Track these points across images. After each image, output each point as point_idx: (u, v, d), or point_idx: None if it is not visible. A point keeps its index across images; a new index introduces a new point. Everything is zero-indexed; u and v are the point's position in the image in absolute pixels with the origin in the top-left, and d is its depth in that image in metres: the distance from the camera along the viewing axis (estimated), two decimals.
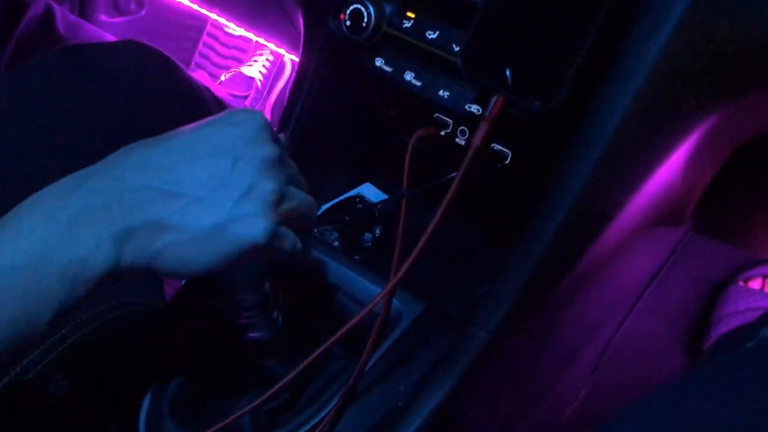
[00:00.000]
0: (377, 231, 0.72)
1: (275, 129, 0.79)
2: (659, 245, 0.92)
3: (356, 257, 0.68)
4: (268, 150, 0.47)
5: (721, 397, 0.46)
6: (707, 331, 0.95)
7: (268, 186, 0.46)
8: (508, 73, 0.50)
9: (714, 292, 0.99)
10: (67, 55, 0.71)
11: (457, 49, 0.60)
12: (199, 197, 0.44)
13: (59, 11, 1.05)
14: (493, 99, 0.51)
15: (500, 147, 0.61)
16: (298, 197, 0.49)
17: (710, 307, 0.97)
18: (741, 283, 0.96)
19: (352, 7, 0.65)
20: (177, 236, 0.44)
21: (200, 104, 0.82)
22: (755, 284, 0.95)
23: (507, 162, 0.61)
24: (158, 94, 0.75)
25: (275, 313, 0.55)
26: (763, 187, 0.90)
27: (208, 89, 0.84)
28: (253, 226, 0.45)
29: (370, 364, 0.56)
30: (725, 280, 0.99)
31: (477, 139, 0.51)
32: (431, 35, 0.62)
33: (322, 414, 0.54)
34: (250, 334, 0.55)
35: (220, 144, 0.46)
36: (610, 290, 0.82)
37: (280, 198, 0.47)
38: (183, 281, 0.66)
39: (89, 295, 0.42)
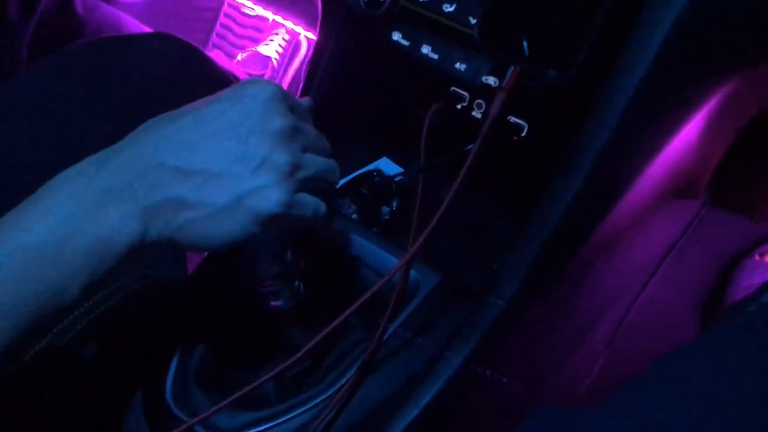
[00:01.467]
0: (394, 204, 0.73)
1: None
2: (676, 218, 0.92)
3: (374, 230, 0.69)
4: (280, 122, 0.47)
5: (723, 359, 0.47)
6: (723, 305, 0.95)
7: (281, 157, 0.47)
8: (524, 43, 0.51)
9: (730, 265, 0.99)
10: (99, 47, 0.72)
11: (473, 21, 0.60)
12: (214, 173, 0.45)
13: None
14: (511, 69, 0.52)
15: (517, 120, 0.61)
16: (315, 163, 0.50)
17: (726, 281, 0.97)
18: (757, 257, 0.97)
19: None
20: (196, 212, 0.45)
21: None
22: None
23: (523, 135, 0.61)
24: (188, 84, 0.76)
25: (296, 282, 0.57)
26: None
27: (236, 77, 0.85)
28: (267, 197, 0.46)
29: (389, 333, 0.57)
30: (741, 254, 0.99)
31: (494, 109, 0.52)
32: (448, 8, 0.62)
33: (342, 381, 0.55)
34: (272, 303, 0.56)
35: (233, 119, 0.47)
36: (626, 262, 0.83)
37: (295, 167, 0.48)
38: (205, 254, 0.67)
39: (116, 268, 0.44)
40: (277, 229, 0.53)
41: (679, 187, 0.72)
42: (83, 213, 0.43)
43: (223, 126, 0.46)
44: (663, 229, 0.92)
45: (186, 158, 0.45)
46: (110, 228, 0.43)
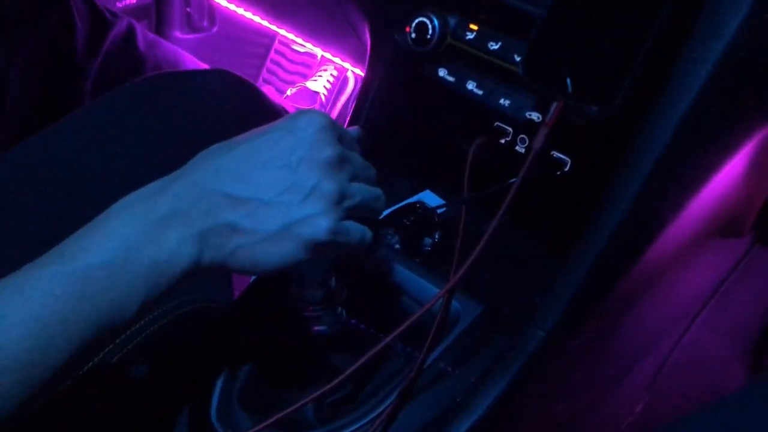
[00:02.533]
0: (437, 236, 0.74)
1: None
2: (721, 258, 0.91)
3: (416, 260, 0.70)
4: (328, 151, 0.49)
5: None
6: None
7: (328, 186, 0.49)
8: (568, 80, 0.52)
9: None
10: (162, 82, 0.76)
11: (518, 59, 0.62)
12: (265, 201, 0.48)
13: (140, 29, 1.11)
14: (554, 105, 0.53)
15: (560, 155, 0.62)
16: (362, 191, 0.52)
17: None
18: None
19: (417, 20, 0.68)
20: (247, 238, 0.48)
21: None
22: None
23: (567, 169, 0.62)
24: (245, 118, 0.79)
25: (339, 309, 0.58)
26: None
27: (286, 111, 0.89)
28: (315, 225, 0.48)
29: (429, 361, 0.58)
30: None
31: (537, 144, 0.53)
32: (493, 46, 0.64)
33: (381, 408, 0.56)
34: (315, 327, 0.58)
35: (284, 149, 0.49)
36: (669, 302, 0.82)
37: (342, 196, 0.50)
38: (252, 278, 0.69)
39: (172, 289, 0.46)
40: (323, 256, 0.55)
41: (724, 225, 0.72)
42: (143, 236, 0.45)
43: (274, 155, 0.49)
44: (708, 269, 0.91)
45: (239, 186, 0.47)
46: (168, 251, 0.45)
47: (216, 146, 0.51)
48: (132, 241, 0.45)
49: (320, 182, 0.49)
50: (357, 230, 0.51)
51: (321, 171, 0.49)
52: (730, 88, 0.49)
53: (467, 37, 0.66)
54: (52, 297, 0.42)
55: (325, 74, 1.56)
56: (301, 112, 0.52)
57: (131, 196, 0.48)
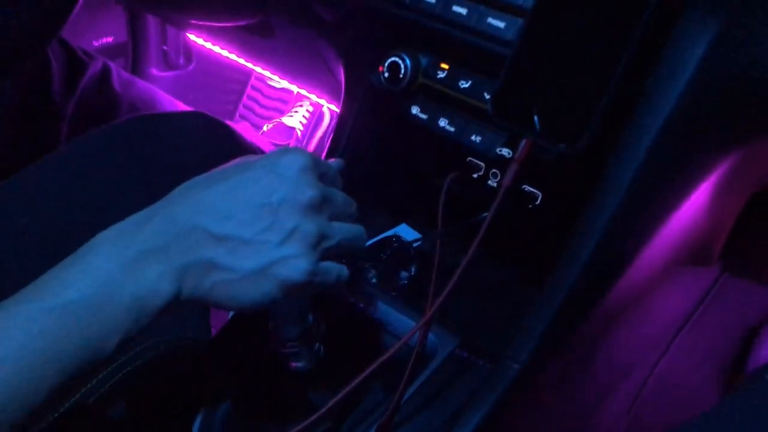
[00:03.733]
0: (413, 269, 0.75)
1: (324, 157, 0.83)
2: (693, 286, 0.93)
3: (393, 294, 0.71)
4: (309, 193, 0.50)
5: (742, 428, 0.48)
6: (744, 373, 0.94)
7: (308, 228, 0.49)
8: (536, 118, 0.54)
9: (749, 334, 0.98)
10: (139, 124, 0.77)
11: (488, 97, 0.64)
12: (245, 240, 0.48)
13: (115, 69, 1.11)
14: (523, 142, 0.54)
15: (531, 188, 0.64)
16: (342, 231, 0.52)
17: (746, 350, 0.97)
18: None
19: (390, 60, 0.70)
20: (226, 275, 0.48)
21: None
22: None
23: (538, 203, 0.64)
24: (221, 160, 0.80)
25: (317, 345, 0.59)
26: None
27: (262, 151, 0.90)
28: (293, 267, 0.49)
29: (407, 396, 0.58)
30: (761, 322, 0.98)
31: (507, 180, 0.55)
32: (464, 84, 0.66)
33: None
34: (293, 364, 0.58)
35: (266, 188, 0.49)
36: (644, 329, 0.83)
37: (321, 237, 0.50)
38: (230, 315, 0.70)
39: (152, 323, 0.47)
40: (300, 294, 0.55)
41: (693, 253, 0.73)
42: (122, 272, 0.45)
43: (256, 194, 0.49)
44: (680, 297, 0.93)
45: (219, 223, 0.48)
46: (147, 287, 0.46)
47: (195, 180, 0.51)
48: (112, 276, 0.45)
49: (300, 224, 0.49)
50: (334, 270, 0.52)
51: (301, 213, 0.49)
52: (692, 123, 0.51)
53: (439, 76, 0.68)
54: (29, 336, 0.42)
55: (301, 110, 1.58)
56: (283, 151, 0.52)
57: (110, 230, 0.48)
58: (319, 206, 0.50)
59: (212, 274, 0.48)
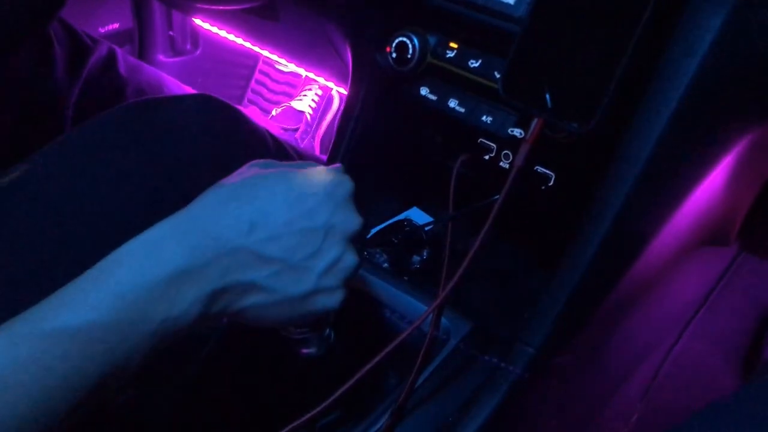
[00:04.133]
0: (425, 253, 0.74)
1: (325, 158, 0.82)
2: (709, 267, 0.92)
3: (405, 278, 0.70)
4: (355, 222, 0.49)
5: (763, 414, 0.47)
6: (760, 355, 0.93)
7: (351, 261, 0.49)
8: (547, 96, 0.52)
9: (767, 315, 0.97)
10: (146, 107, 0.76)
11: (498, 76, 0.62)
12: (291, 265, 0.46)
13: (120, 54, 1.10)
14: (534, 121, 0.53)
15: (544, 170, 0.63)
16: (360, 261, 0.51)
17: (763, 330, 0.96)
18: None
19: (397, 40, 0.68)
20: (264, 298, 0.46)
21: (263, 150, 0.86)
22: None
23: (551, 184, 0.63)
24: (230, 144, 0.79)
25: (327, 330, 0.58)
26: None
27: (270, 134, 0.89)
28: (332, 297, 0.49)
29: (420, 381, 0.57)
30: None
31: (519, 160, 0.53)
32: (473, 64, 0.65)
33: (374, 430, 0.55)
34: (303, 350, 0.57)
35: (315, 211, 0.48)
36: (659, 312, 0.82)
37: (355, 271, 0.50)
38: None
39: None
40: None
41: (710, 235, 0.72)
42: (154, 295, 0.42)
43: (303, 216, 0.47)
44: (697, 279, 0.92)
45: (266, 245, 0.46)
46: (179, 310, 0.43)
47: (228, 188, 0.48)
48: (142, 298, 0.41)
49: (343, 255, 0.48)
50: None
51: (344, 242, 0.49)
52: (707, 101, 0.50)
53: (447, 56, 0.66)
54: (50, 360, 0.39)
55: (310, 93, 1.56)
56: (329, 173, 0.50)
57: (134, 242, 0.44)
58: (357, 237, 0.50)
59: (251, 295, 0.46)
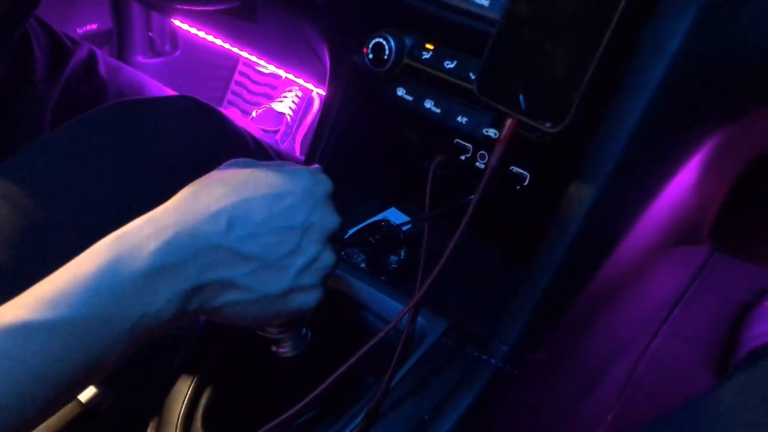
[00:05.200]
0: (402, 253, 0.74)
1: (303, 158, 0.83)
2: (683, 267, 0.93)
3: (382, 278, 0.71)
4: (333, 221, 0.50)
5: (739, 410, 0.47)
6: (735, 353, 0.95)
7: (329, 259, 0.49)
8: (521, 97, 0.53)
9: (740, 313, 0.98)
10: (126, 109, 0.76)
11: (473, 77, 0.63)
12: (268, 263, 0.47)
13: (101, 55, 1.10)
14: (507, 122, 0.54)
15: (519, 169, 0.63)
16: (338, 260, 0.52)
17: (737, 329, 0.97)
18: (767, 303, 0.96)
19: (374, 41, 0.69)
20: (242, 295, 0.47)
21: (244, 151, 0.86)
22: None
23: (526, 184, 0.63)
24: (210, 146, 0.79)
25: (304, 330, 0.58)
26: None
27: (251, 135, 0.89)
28: (310, 296, 0.49)
29: (396, 380, 0.58)
30: (752, 301, 0.98)
31: (493, 161, 0.54)
32: (449, 65, 0.65)
33: (349, 429, 0.56)
34: (280, 350, 0.57)
35: (294, 209, 0.48)
36: (635, 311, 0.83)
37: (333, 269, 0.51)
38: None
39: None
40: None
41: (682, 234, 0.73)
42: (131, 291, 0.42)
43: (282, 214, 0.47)
44: (671, 278, 0.93)
45: (244, 243, 0.46)
46: (156, 307, 0.43)
47: (206, 186, 0.47)
48: (121, 294, 0.41)
49: (321, 253, 0.49)
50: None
51: (323, 242, 0.49)
52: (675, 102, 0.50)
53: (423, 57, 0.67)
54: (25, 354, 0.39)
55: (291, 95, 1.56)
56: (307, 172, 0.50)
57: (114, 238, 0.44)
58: (336, 235, 0.50)
59: (227, 293, 0.46)
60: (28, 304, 0.40)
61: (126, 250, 0.43)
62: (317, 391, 0.51)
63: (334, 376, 0.52)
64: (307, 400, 0.51)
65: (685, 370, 0.98)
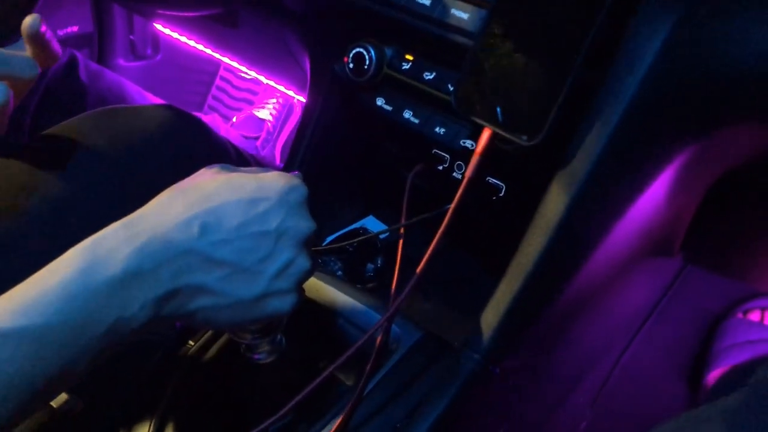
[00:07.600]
0: (379, 261, 0.75)
1: (282, 166, 0.83)
2: (656, 277, 0.94)
3: (359, 286, 0.71)
4: (308, 226, 0.50)
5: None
6: (707, 364, 0.96)
7: (304, 264, 0.49)
8: (498, 110, 0.54)
9: (713, 324, 1.00)
10: (105, 118, 0.75)
11: (452, 88, 0.64)
12: (242, 268, 0.47)
13: (82, 59, 1.08)
14: (484, 134, 0.54)
15: (495, 180, 0.64)
16: (314, 265, 0.52)
17: (710, 340, 0.99)
18: (740, 315, 0.98)
19: (354, 51, 0.69)
20: (215, 300, 0.46)
21: (225, 161, 0.86)
22: (754, 316, 0.97)
23: (502, 194, 0.64)
24: (190, 155, 0.79)
25: (279, 336, 0.58)
26: (755, 219, 0.92)
27: (232, 145, 0.89)
28: (284, 301, 0.49)
29: (369, 388, 0.58)
30: (724, 313, 1.00)
31: (469, 171, 0.55)
32: (428, 76, 0.66)
33: None
34: (255, 356, 0.58)
35: (268, 215, 0.48)
36: (609, 321, 0.84)
37: (309, 274, 0.51)
38: None
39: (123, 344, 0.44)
40: None
41: (655, 245, 0.74)
42: (104, 297, 0.42)
43: (256, 220, 0.47)
44: (645, 289, 0.94)
45: (217, 248, 0.46)
46: (129, 312, 0.43)
47: (181, 192, 0.48)
48: (92, 301, 0.41)
49: (296, 258, 0.49)
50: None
51: (298, 246, 0.49)
52: (649, 116, 0.52)
53: (403, 68, 0.68)
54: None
55: (272, 101, 1.56)
56: (282, 178, 0.50)
57: (89, 243, 0.44)
58: (311, 241, 0.50)
59: (200, 298, 0.46)
60: (0, 311, 0.40)
61: (100, 254, 0.43)
62: (293, 403, 0.51)
63: (307, 390, 0.52)
64: (282, 411, 0.51)
65: (657, 380, 0.99)
